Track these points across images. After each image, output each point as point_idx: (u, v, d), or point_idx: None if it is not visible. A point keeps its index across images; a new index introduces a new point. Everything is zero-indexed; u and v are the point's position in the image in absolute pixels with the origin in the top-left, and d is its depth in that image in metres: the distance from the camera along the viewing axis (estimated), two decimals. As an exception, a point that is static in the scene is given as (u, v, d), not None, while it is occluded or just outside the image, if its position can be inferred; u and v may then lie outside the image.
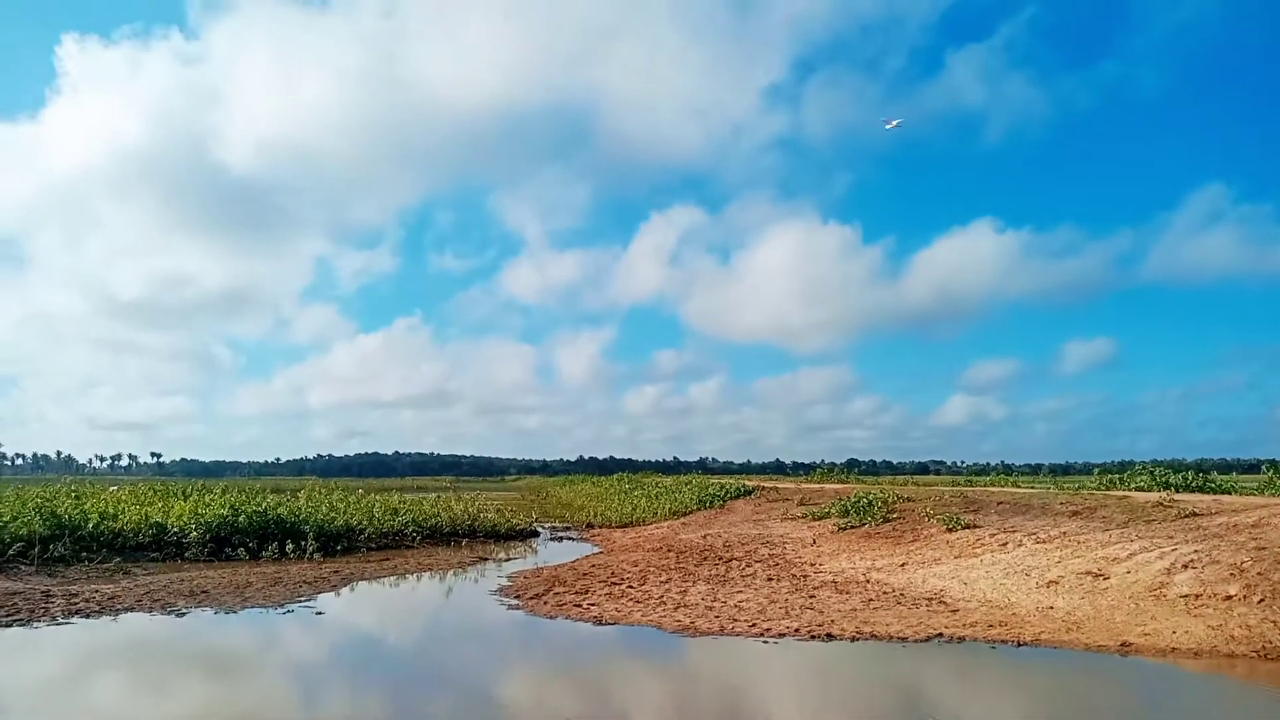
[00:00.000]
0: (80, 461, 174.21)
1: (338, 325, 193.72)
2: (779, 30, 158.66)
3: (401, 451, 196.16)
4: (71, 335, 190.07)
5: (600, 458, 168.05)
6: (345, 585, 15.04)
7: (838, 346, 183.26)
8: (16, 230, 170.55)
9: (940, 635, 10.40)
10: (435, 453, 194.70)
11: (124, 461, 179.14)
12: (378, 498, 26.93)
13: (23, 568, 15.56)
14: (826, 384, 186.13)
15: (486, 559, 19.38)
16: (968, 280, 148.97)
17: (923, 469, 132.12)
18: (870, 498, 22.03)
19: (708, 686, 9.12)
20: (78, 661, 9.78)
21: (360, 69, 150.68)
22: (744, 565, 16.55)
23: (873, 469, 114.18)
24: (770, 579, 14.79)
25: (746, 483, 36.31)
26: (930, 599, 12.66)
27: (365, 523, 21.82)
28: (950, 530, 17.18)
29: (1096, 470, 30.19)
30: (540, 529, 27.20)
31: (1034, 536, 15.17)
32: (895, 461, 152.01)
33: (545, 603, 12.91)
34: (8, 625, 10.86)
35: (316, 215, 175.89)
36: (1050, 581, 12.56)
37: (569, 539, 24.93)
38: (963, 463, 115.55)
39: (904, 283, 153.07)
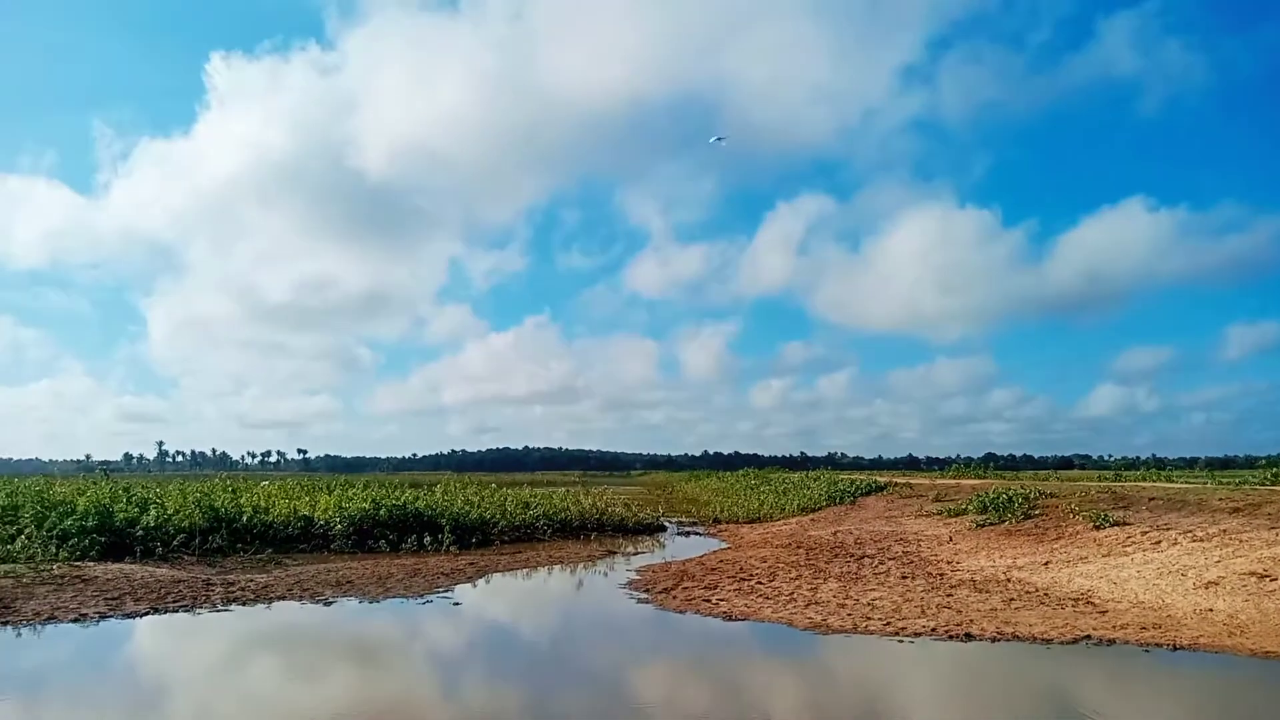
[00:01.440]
0: (234, 458, 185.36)
1: (470, 324, 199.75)
2: (913, 8, 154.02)
3: (531, 446, 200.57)
4: (224, 338, 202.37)
5: (725, 453, 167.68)
6: (480, 577, 15.44)
7: (976, 336, 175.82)
8: (174, 240, 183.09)
9: (1088, 637, 9.86)
10: (563, 448, 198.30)
11: (273, 458, 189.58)
12: (509, 492, 27.60)
13: (185, 558, 16.63)
14: (964, 375, 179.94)
15: (615, 552, 19.55)
16: (1118, 263, 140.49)
17: (1066, 464, 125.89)
18: (1010, 493, 21.13)
19: (843, 685, 8.91)
20: (237, 646, 10.34)
21: (489, 71, 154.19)
22: (877, 563, 16.14)
23: (1012, 464, 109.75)
24: (905, 577, 14.37)
25: (878, 478, 35.49)
26: (1076, 599, 12.04)
27: (498, 516, 22.35)
28: (1098, 528, 16.29)
29: (1261, 463, 27.99)
30: (667, 524, 27.29)
31: (1190, 535, 14.23)
32: (1037, 456, 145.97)
33: (674, 597, 12.90)
34: (174, 611, 11.59)
35: (449, 217, 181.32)
36: (1209, 582, 11.75)
37: (696, 534, 24.91)
38: (1110, 457, 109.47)
39: (1047, 267, 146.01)
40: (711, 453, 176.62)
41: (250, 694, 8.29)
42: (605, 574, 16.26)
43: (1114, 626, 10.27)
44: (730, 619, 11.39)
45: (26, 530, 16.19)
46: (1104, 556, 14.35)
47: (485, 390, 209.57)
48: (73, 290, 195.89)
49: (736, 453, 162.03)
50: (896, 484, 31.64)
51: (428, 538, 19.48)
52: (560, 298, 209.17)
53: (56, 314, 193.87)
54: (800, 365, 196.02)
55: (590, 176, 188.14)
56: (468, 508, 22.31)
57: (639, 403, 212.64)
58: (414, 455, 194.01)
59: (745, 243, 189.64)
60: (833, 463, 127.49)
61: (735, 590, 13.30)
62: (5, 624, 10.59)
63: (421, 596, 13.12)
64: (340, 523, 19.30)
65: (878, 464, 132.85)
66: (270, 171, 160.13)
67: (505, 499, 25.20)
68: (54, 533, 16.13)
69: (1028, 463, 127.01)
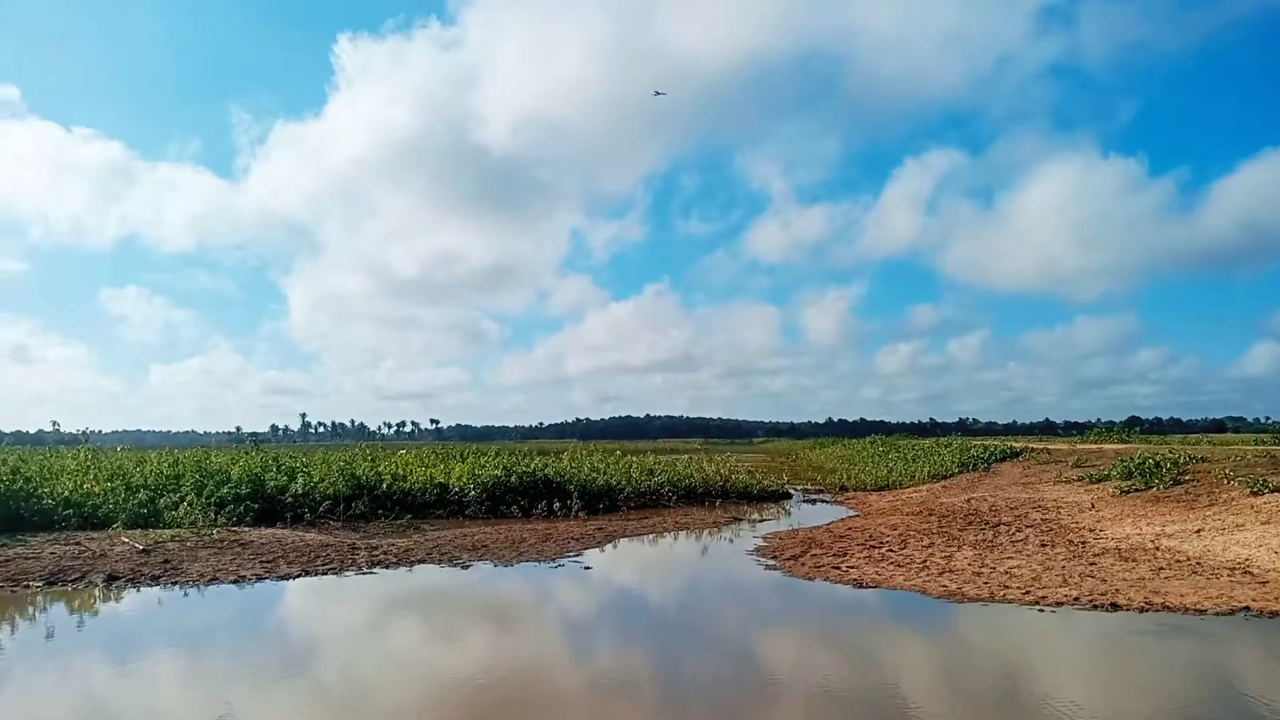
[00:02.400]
0: (371, 428, 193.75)
1: (591, 294, 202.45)
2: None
3: (652, 414, 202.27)
4: (359, 313, 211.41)
5: (850, 420, 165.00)
6: (609, 542, 15.67)
7: (1120, 293, 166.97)
8: (309, 220, 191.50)
9: (1246, 609, 9.27)
10: (684, 415, 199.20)
11: (407, 428, 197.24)
12: (633, 459, 27.86)
13: (331, 523, 17.51)
14: (1106, 335, 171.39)
15: (740, 519, 19.52)
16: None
17: (1218, 426, 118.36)
18: (1158, 458, 19.98)
19: (980, 655, 8.62)
20: (383, 607, 10.80)
21: (608, 38, 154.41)
22: (1013, 530, 15.58)
23: (1158, 427, 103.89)
24: (1044, 545, 13.82)
25: (1013, 444, 34.12)
26: (1232, 568, 11.33)
27: (624, 483, 22.63)
28: (1255, 494, 15.24)
29: None
30: (792, 491, 27.06)
31: (1366, 500, 13.16)
32: (1185, 419, 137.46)
33: (802, 564, 12.79)
34: (324, 574, 12.20)
35: (570, 188, 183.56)
36: (1390, 551, 10.85)
37: (822, 501, 24.61)
38: (1268, 419, 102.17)
39: (1199, 218, 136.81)
40: (836, 420, 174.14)
41: (398, 652, 8.64)
42: (731, 540, 16.26)
43: (1275, 598, 9.61)
44: (861, 586, 11.20)
45: (188, 498, 17.33)
46: (1263, 524, 13.42)
47: (607, 359, 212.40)
48: (219, 272, 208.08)
49: (862, 419, 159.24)
50: (1033, 449, 30.35)
51: (557, 503, 19.93)
52: (679, 265, 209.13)
53: (205, 295, 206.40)
54: (929, 328, 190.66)
55: (709, 141, 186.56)
56: (594, 475, 22.67)
57: (760, 370, 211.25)
58: (540, 424, 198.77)
59: (870, 202, 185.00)
60: (964, 429, 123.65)
61: (865, 558, 13.08)
62: (174, 584, 11.37)
63: (553, 561, 13.41)
64: (474, 489, 19.93)
65: (1011, 429, 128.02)
66: (397, 149, 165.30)
67: (630, 466, 25.46)
68: (212, 500, 17.23)
69: (1175, 426, 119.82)
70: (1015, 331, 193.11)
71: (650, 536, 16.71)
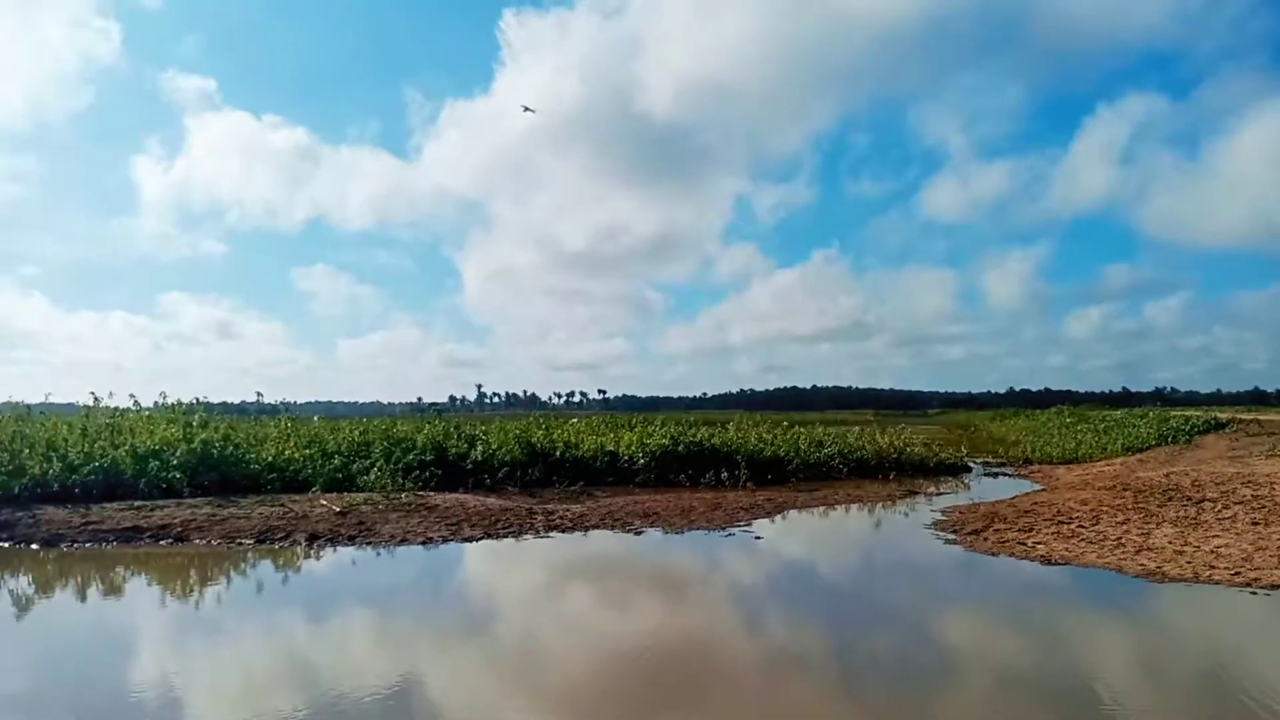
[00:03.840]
0: (542, 398, 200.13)
1: (757, 262, 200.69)
2: None
3: (819, 385, 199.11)
4: (529, 287, 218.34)
5: (1034, 390, 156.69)
6: (779, 512, 15.52)
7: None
8: (480, 196, 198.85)
9: None
10: (853, 386, 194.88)
11: (576, 398, 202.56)
12: (801, 430, 27.46)
13: (509, 489, 18.17)
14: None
15: (916, 492, 18.90)
16: None
17: None
18: (1395, 428, 17.93)
19: (1184, 639, 7.97)
20: (562, 569, 11.10)
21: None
22: (1219, 507, 14.33)
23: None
24: (1255, 523, 12.64)
25: (1218, 414, 31.55)
26: None
27: (792, 454, 22.35)
28: None
29: None
30: (970, 464, 25.99)
31: None
32: None
33: (985, 539, 12.23)
34: (504, 537, 12.67)
35: (735, 153, 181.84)
36: None
37: (1004, 475, 23.48)
38: None
39: None
40: (1018, 389, 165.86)
41: (574, 616, 8.85)
42: (906, 514, 15.76)
43: None
44: (1049, 563, 10.60)
45: (378, 464, 18.37)
46: None
47: (772, 328, 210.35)
48: (397, 249, 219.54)
49: (1047, 389, 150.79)
50: (1241, 420, 27.97)
51: (724, 473, 19.89)
52: (849, 229, 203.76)
53: (385, 271, 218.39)
54: (1124, 290, 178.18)
55: (881, 96, 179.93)
56: (761, 445, 22.49)
57: (935, 337, 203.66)
58: (703, 394, 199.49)
59: (1058, 155, 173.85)
60: (1161, 398, 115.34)
61: (1053, 534, 12.36)
62: (368, 544, 12.09)
63: (723, 529, 13.40)
64: (643, 458, 20.19)
65: (1216, 399, 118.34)
66: (562, 121, 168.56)
67: (798, 437, 25.10)
68: (400, 465, 18.20)
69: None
70: (1221, 292, 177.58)
71: (821, 508, 16.44)
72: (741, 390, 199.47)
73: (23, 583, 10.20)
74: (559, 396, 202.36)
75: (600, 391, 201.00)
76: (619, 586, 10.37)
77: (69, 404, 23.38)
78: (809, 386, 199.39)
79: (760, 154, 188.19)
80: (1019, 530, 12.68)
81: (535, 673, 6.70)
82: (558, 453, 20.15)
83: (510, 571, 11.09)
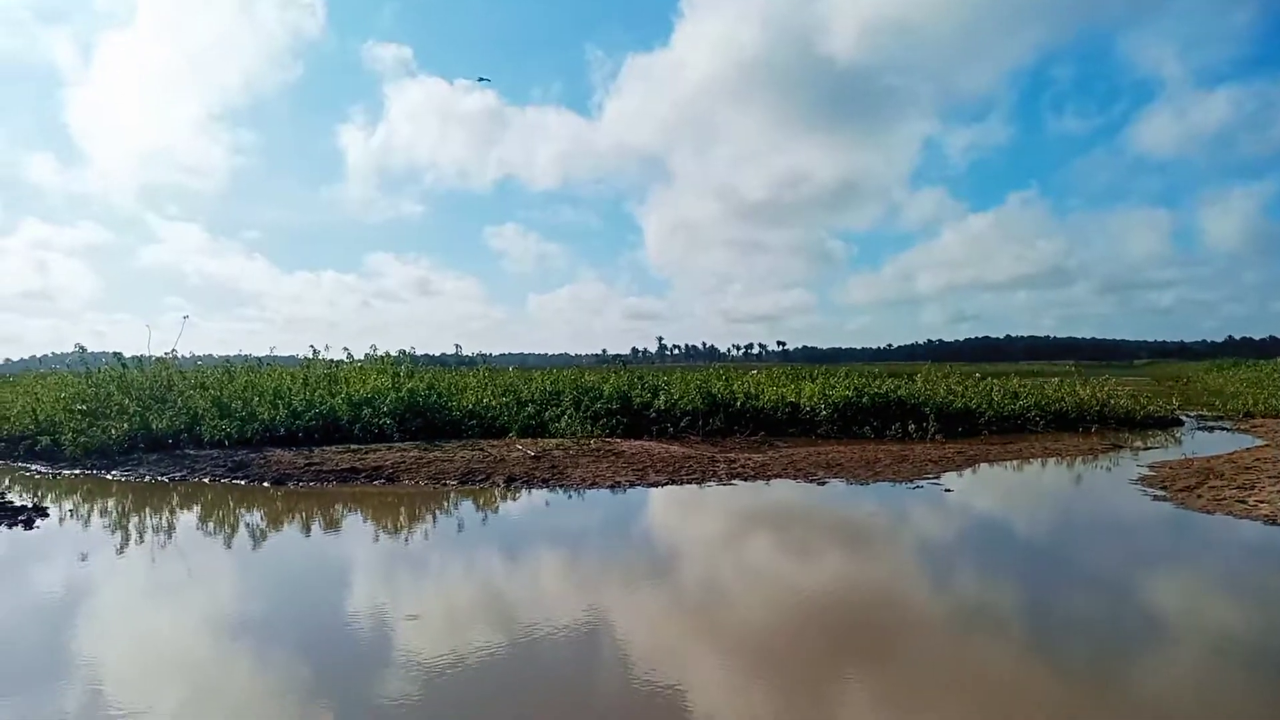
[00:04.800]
0: (721, 350, 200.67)
1: (946, 207, 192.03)
2: None
3: (1014, 335, 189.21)
4: (709, 239, 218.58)
5: (1257, 338, 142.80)
6: (969, 466, 15.02)
7: None
8: (660, 149, 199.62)
9: None
10: (1051, 335, 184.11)
11: (755, 350, 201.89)
12: (993, 381, 26.34)
13: (691, 437, 18.51)
14: None
15: (1120, 447, 17.78)
16: None
17: None
18: None
19: None
20: (744, 516, 11.25)
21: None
22: None
23: None
24: None
25: None
26: None
27: (984, 406, 21.51)
28: None
29: None
30: (1183, 418, 24.14)
31: None
32: None
33: (1199, 496, 11.41)
34: (688, 483, 12.95)
35: (922, 93, 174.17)
36: None
37: (1221, 429, 21.70)
38: None
39: None
40: (1238, 338, 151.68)
41: (757, 562, 8.95)
42: (1109, 469, 14.88)
43: None
44: (1274, 523, 9.78)
45: (567, 412, 19.14)
46: None
47: (962, 276, 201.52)
48: (581, 205, 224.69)
49: (1272, 337, 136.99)
50: None
51: (911, 426, 19.40)
52: (1049, 169, 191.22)
53: (571, 228, 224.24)
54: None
55: (1087, 25, 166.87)
56: (951, 397, 21.78)
57: (1145, 283, 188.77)
58: (888, 346, 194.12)
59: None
60: None
61: (1279, 491, 11.37)
62: (560, 487, 12.67)
63: (910, 481, 13.13)
64: (825, 409, 19.99)
65: None
66: (742, 70, 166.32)
67: (990, 388, 24.11)
68: (587, 413, 18.90)
69: None
70: None
71: (1015, 462, 15.78)
72: (929, 341, 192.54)
73: (257, 516, 11.36)
74: (737, 348, 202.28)
75: (779, 343, 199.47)
76: (802, 535, 10.40)
77: (290, 357, 25.61)
78: (1002, 336, 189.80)
79: (950, 94, 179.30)
80: (1238, 488, 11.76)
81: (718, 617, 6.84)
82: (738, 403, 20.27)
83: (695, 516, 11.33)
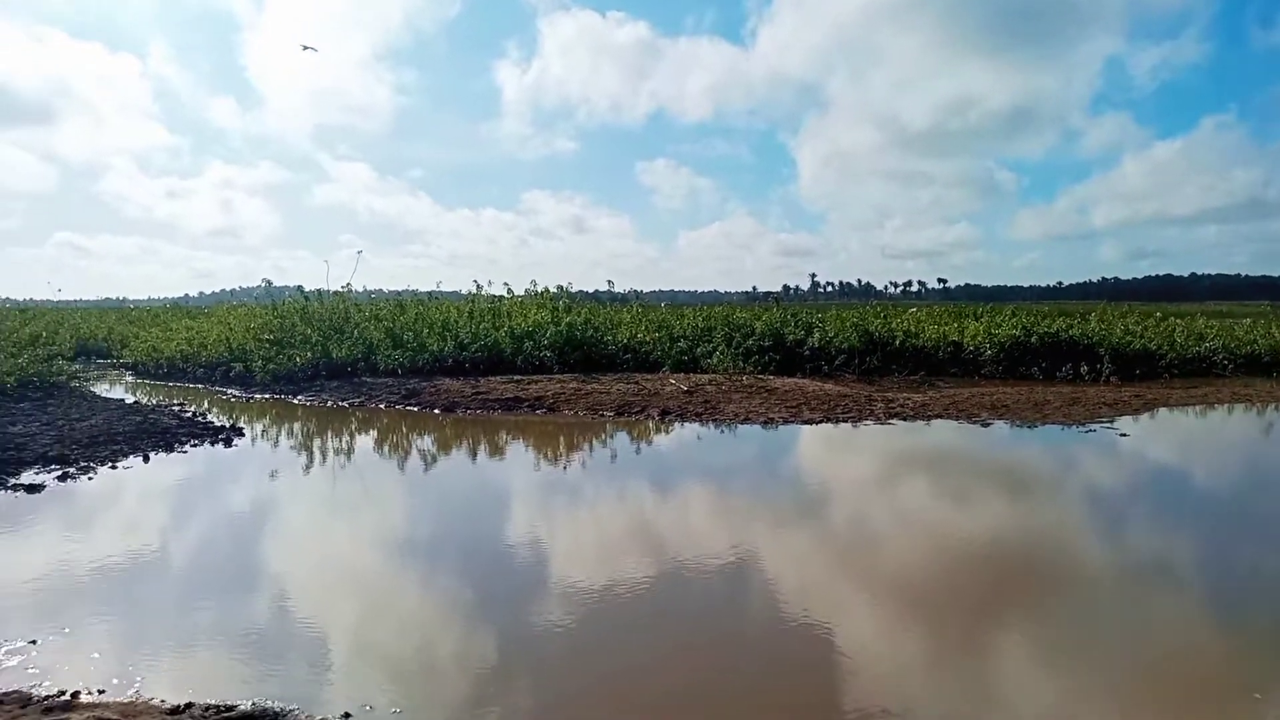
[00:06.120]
0: (877, 288, 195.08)
1: (1130, 133, 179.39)
2: None
3: (1199, 273, 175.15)
4: (866, 170, 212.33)
5: None
6: (1147, 410, 14.13)
7: None
8: (815, 77, 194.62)
9: None
10: (1243, 274, 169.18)
11: (914, 287, 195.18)
12: (1176, 321, 24.57)
13: (846, 375, 18.20)
14: None
15: (1325, 393, 16.30)
16: None
17: None
18: None
19: None
20: (901, 456, 11.02)
21: None
22: None
23: None
24: None
25: None
26: None
27: (1165, 347, 20.12)
28: None
29: None
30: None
31: None
32: None
33: None
34: (843, 421, 12.76)
35: (1107, 7, 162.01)
36: None
37: None
38: None
39: None
40: None
41: (912, 504, 8.77)
42: (1312, 417, 13.69)
43: None
44: None
45: (719, 348, 19.16)
46: None
47: (1144, 210, 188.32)
48: (734, 138, 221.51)
49: None
50: None
51: (1084, 367, 18.39)
52: (1252, 90, 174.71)
53: (722, 162, 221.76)
54: None
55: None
56: (1128, 338, 20.48)
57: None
58: (1058, 284, 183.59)
59: None
60: None
61: None
62: (712, 421, 12.75)
63: (1082, 425, 12.49)
64: (990, 348, 19.20)
65: None
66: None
67: (1173, 329, 22.51)
68: (739, 350, 18.87)
69: None
70: None
71: (1199, 407, 14.72)
72: (1104, 279, 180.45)
73: (427, 441, 11.99)
74: (895, 286, 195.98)
75: (940, 281, 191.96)
76: (963, 478, 10.06)
77: (453, 292, 26.66)
78: (1186, 274, 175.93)
79: (1138, 7, 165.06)
80: None
81: (871, 560, 6.74)
82: (897, 342, 19.75)
83: (850, 455, 11.18)
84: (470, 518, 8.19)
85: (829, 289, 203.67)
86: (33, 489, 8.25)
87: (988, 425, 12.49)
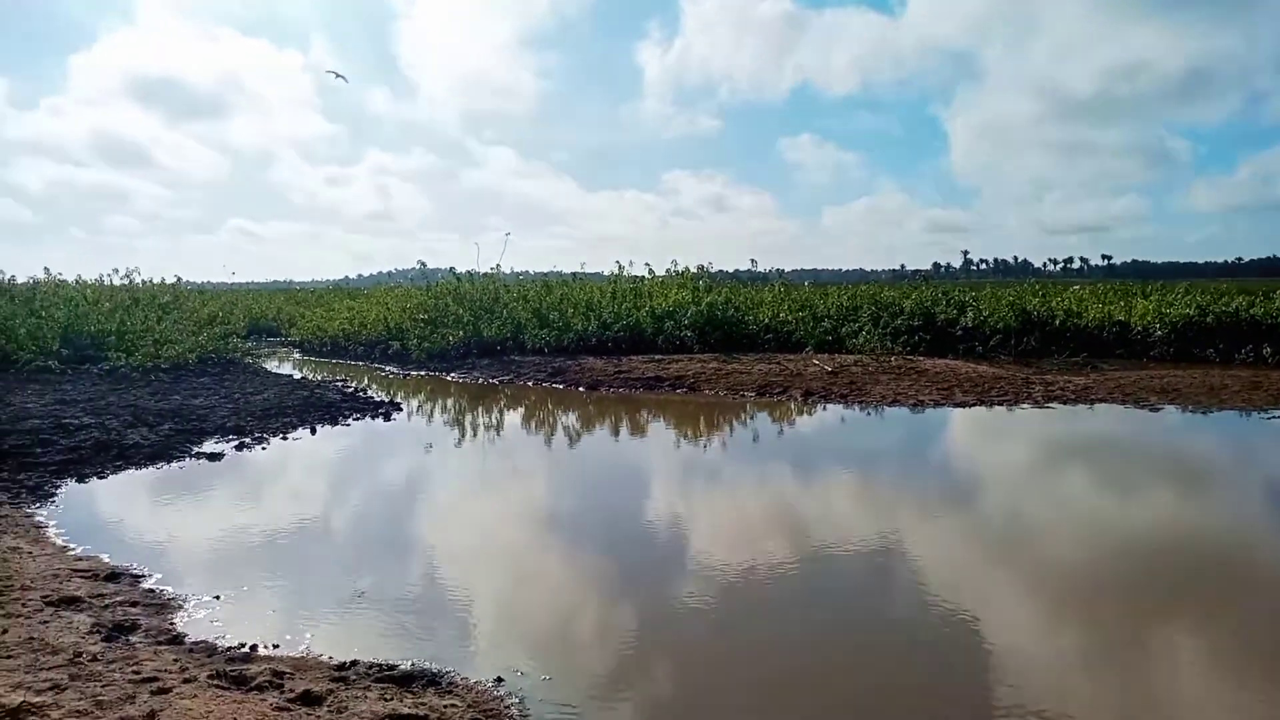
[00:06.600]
0: (1034, 265, 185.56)
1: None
2: None
3: None
4: (1023, 141, 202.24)
5: None
6: (1345, 397, 12.93)
7: None
8: (970, 44, 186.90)
9: None
10: None
11: (1075, 264, 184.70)
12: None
13: (1001, 356, 17.44)
14: None
15: None
16: None
17: None
18: None
19: None
20: (1059, 443, 10.48)
21: None
22: None
23: None
24: None
25: None
26: None
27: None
28: None
29: None
30: None
31: None
32: None
33: None
34: (997, 404, 12.24)
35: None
36: None
37: None
38: None
39: None
40: None
41: (1070, 495, 8.33)
42: None
43: None
44: None
45: (865, 328, 18.72)
46: None
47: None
48: (881, 110, 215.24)
49: None
50: None
51: (1266, 349, 16.96)
52: None
53: (869, 136, 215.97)
54: None
55: None
56: (1323, 316, 18.72)
57: None
58: (1238, 259, 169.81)
59: None
60: None
61: None
62: (858, 403, 12.47)
63: (1264, 411, 11.53)
64: (1160, 328, 17.97)
65: None
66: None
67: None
68: (887, 330, 18.37)
69: None
70: None
71: None
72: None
73: (572, 418, 12.24)
74: (1054, 262, 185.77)
75: (1104, 257, 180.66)
76: (1129, 467, 9.43)
77: (596, 273, 27.02)
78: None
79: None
80: None
81: (1025, 553, 6.33)
82: (1056, 321, 18.76)
83: (1005, 440, 10.73)
84: (613, 494, 8.31)
85: (982, 266, 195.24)
86: (214, 457, 8.89)
87: (1157, 410, 11.71)
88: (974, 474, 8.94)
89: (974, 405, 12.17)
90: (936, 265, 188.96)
